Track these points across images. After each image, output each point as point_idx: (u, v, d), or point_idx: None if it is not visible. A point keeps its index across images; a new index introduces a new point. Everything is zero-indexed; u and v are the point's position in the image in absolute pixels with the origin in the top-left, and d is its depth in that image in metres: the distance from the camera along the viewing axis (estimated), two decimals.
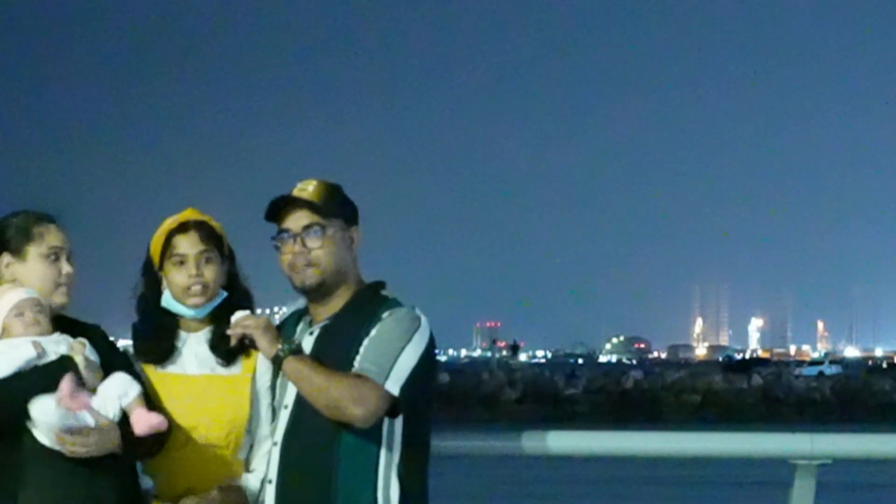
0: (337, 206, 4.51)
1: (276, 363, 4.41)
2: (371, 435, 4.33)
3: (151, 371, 4.63)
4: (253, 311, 4.61)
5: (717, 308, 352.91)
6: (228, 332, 4.54)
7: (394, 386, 4.28)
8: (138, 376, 4.50)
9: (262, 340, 4.43)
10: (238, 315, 4.52)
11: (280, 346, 4.39)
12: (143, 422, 4.32)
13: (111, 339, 4.60)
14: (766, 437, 5.81)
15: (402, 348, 4.32)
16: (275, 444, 4.46)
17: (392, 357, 4.30)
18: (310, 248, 4.47)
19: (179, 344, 4.68)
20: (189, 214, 4.69)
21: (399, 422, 4.37)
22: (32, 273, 4.47)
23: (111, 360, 4.46)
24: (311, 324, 4.55)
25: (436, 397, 4.59)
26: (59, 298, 4.49)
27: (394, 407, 4.32)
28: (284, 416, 4.45)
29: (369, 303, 4.45)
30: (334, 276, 4.48)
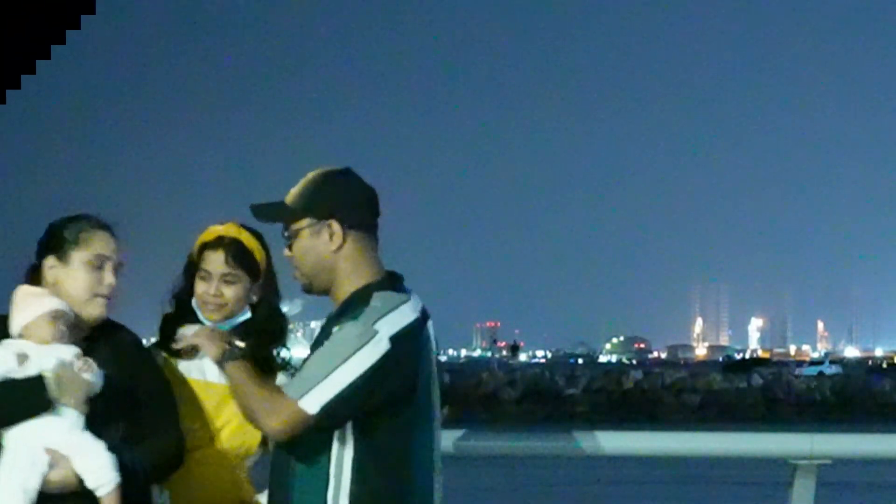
0: (306, 203, 4.16)
1: (221, 369, 4.29)
2: (318, 459, 4.05)
3: (173, 369, 4.60)
4: (283, 333, 4.64)
5: (717, 308, 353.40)
6: (174, 346, 4.55)
7: (312, 404, 3.95)
8: (164, 390, 4.42)
9: (208, 348, 4.37)
10: (187, 329, 4.55)
11: (224, 352, 4.27)
12: None
13: (145, 347, 4.49)
14: (766, 437, 5.83)
15: (336, 367, 3.96)
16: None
17: (321, 374, 3.97)
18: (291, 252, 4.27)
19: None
20: (225, 230, 4.67)
21: (349, 448, 4.04)
22: (73, 279, 4.26)
23: (138, 373, 4.33)
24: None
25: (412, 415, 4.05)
26: (94, 309, 4.28)
27: (320, 424, 3.99)
28: None
29: (351, 307, 4.12)
30: (316, 276, 4.20)
